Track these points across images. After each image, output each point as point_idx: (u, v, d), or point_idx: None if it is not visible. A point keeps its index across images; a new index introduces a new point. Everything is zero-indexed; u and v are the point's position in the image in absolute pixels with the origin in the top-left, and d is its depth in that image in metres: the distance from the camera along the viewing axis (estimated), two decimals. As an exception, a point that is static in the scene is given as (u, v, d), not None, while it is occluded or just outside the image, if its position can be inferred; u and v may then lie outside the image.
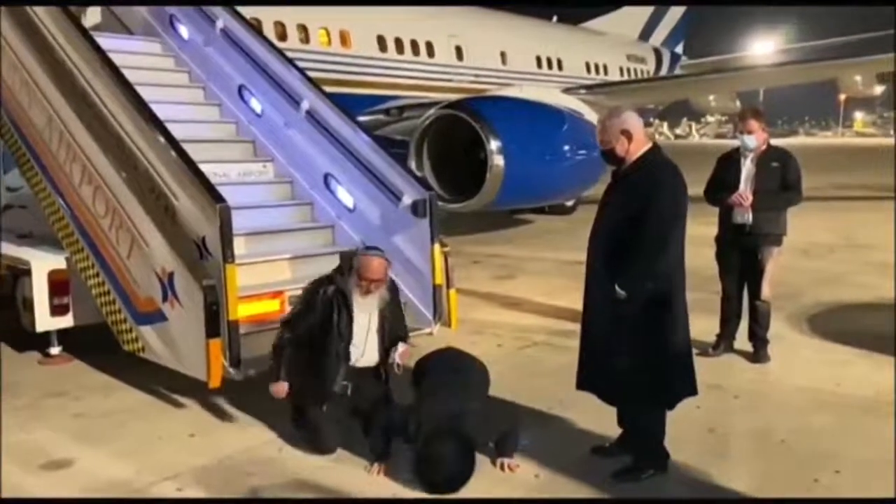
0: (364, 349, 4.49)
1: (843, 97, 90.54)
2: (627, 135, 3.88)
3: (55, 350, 5.93)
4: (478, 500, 3.78)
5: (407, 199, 5.77)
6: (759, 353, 5.89)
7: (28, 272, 5.72)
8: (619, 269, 3.80)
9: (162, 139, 5.12)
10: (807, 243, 10.52)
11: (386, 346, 4.51)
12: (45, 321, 5.72)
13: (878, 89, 17.82)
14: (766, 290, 5.88)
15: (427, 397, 4.26)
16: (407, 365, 4.57)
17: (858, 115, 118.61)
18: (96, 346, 5.82)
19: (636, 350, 3.82)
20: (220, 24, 7.36)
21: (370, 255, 4.46)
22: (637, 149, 3.90)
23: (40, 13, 6.16)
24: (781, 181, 5.77)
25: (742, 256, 5.87)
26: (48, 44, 6.01)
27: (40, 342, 5.98)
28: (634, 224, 3.75)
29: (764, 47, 40.81)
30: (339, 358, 4.38)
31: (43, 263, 5.75)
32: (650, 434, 3.96)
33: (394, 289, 4.68)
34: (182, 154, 5.02)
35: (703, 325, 5.61)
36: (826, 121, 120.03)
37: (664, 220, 3.75)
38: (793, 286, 7.85)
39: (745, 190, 5.72)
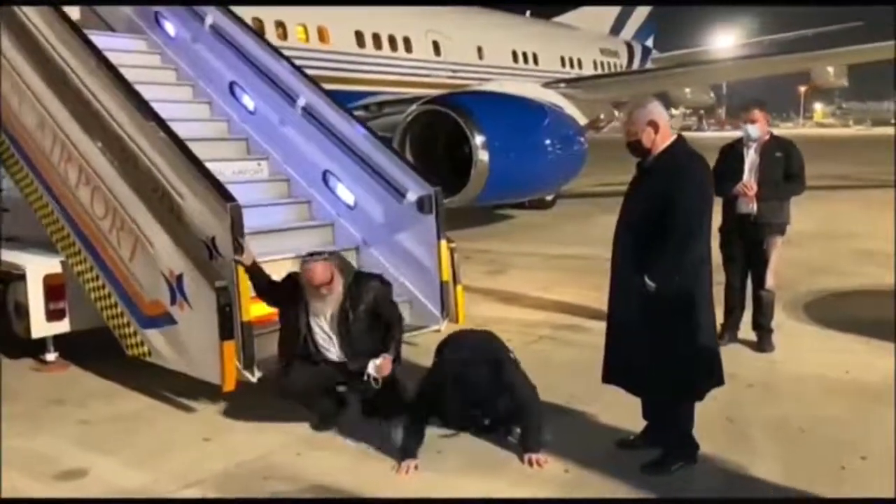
0: (326, 345, 4.50)
1: (803, 89, 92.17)
2: (654, 125, 3.85)
3: (51, 356, 5.74)
4: (499, 500, 3.73)
5: (412, 196, 5.70)
6: (763, 342, 5.93)
7: (22, 277, 5.54)
8: (648, 261, 3.77)
9: (165, 137, 4.99)
10: (790, 232, 10.62)
11: (348, 350, 4.45)
12: (40, 327, 5.55)
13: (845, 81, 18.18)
14: (770, 280, 5.93)
15: (453, 351, 4.40)
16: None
17: (818, 107, 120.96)
18: (91, 351, 5.68)
19: (665, 343, 3.80)
20: (208, 20, 7.21)
21: (311, 263, 4.40)
22: (663, 140, 3.87)
23: (28, 12, 5.97)
24: (785, 171, 5.82)
25: (746, 246, 5.91)
26: (38, 43, 5.83)
27: (33, 349, 5.79)
28: (662, 216, 3.73)
29: (726, 41, 41.42)
30: (305, 350, 4.47)
31: (38, 267, 5.56)
32: (679, 426, 3.95)
33: (373, 286, 4.57)
34: (187, 152, 4.90)
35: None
36: (787, 112, 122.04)
37: (693, 211, 3.74)
38: (785, 275, 7.85)
39: (749, 180, 5.75)
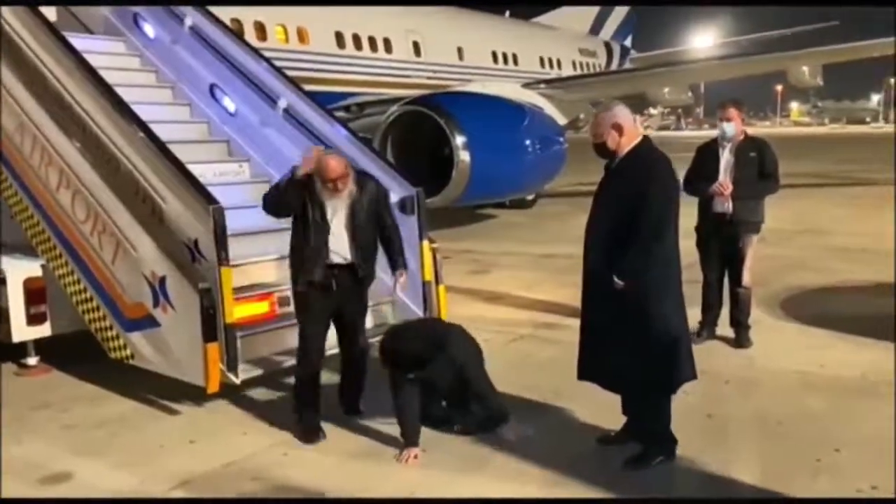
0: (336, 246, 4.44)
1: (779, 88, 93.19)
2: (618, 128, 3.93)
3: (32, 360, 5.72)
4: (497, 500, 3.75)
5: (394, 196, 5.71)
6: (741, 338, 6.03)
7: (2, 281, 5.50)
8: (616, 260, 3.84)
9: (146, 140, 4.99)
10: (764, 230, 10.76)
11: (359, 244, 4.48)
12: (21, 331, 5.51)
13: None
14: (746, 277, 6.03)
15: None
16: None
17: (794, 106, 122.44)
18: (72, 355, 5.66)
19: (636, 339, 3.87)
20: (188, 21, 7.18)
21: (326, 156, 4.41)
22: (628, 142, 3.95)
23: (6, 14, 5.93)
24: (759, 170, 5.92)
25: (723, 244, 6.00)
26: (16, 45, 5.79)
27: (14, 354, 5.76)
28: (628, 216, 3.81)
29: (704, 41, 41.83)
30: (318, 251, 4.38)
31: (18, 271, 5.53)
32: (657, 421, 4.01)
33: (371, 186, 4.58)
34: (169, 155, 4.90)
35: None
36: (764, 111, 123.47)
37: (657, 211, 3.81)
38: (761, 273, 7.98)
39: (724, 179, 5.84)
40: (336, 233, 4.43)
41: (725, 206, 5.87)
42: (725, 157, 5.93)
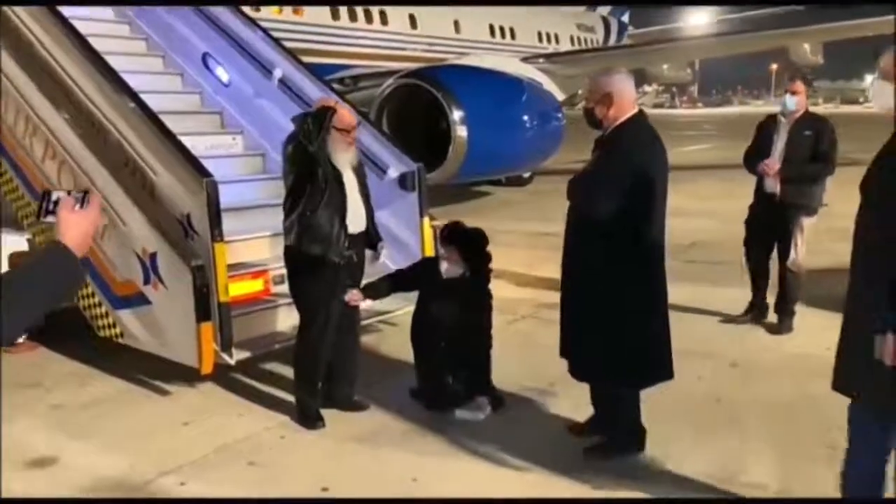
0: (354, 214, 4.23)
1: (774, 67, 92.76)
2: (609, 98, 3.59)
3: (20, 338, 5.55)
4: (497, 500, 3.61)
5: (393, 172, 5.58)
6: (781, 325, 5.79)
7: (-14, 256, 5.34)
8: (595, 243, 3.64)
9: (137, 110, 4.79)
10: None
11: (369, 210, 4.37)
12: (7, 307, 5.34)
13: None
14: (792, 258, 5.75)
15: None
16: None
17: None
18: (60, 333, 5.48)
19: (606, 330, 3.65)
20: (181, -11, 6.95)
21: (338, 108, 4.23)
22: (617, 115, 3.60)
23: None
24: (813, 150, 5.57)
25: (769, 226, 5.74)
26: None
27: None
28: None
29: (700, 18, 41.51)
30: (340, 225, 4.10)
31: (3, 246, 5.36)
32: (621, 414, 3.84)
33: None
34: (160, 126, 4.71)
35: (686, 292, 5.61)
36: (759, 90, 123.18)
37: (615, 200, 3.54)
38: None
39: (772, 159, 5.58)
40: (352, 198, 4.21)
41: (774, 186, 5.60)
42: (781, 135, 5.63)
